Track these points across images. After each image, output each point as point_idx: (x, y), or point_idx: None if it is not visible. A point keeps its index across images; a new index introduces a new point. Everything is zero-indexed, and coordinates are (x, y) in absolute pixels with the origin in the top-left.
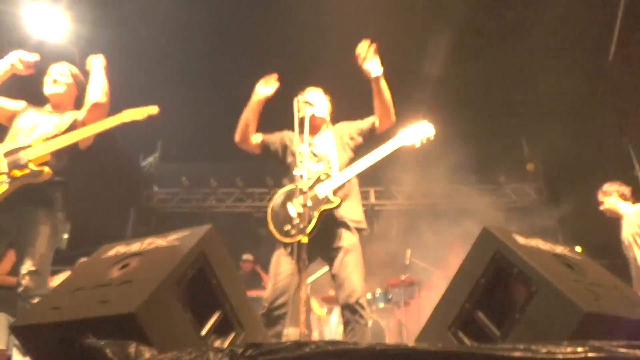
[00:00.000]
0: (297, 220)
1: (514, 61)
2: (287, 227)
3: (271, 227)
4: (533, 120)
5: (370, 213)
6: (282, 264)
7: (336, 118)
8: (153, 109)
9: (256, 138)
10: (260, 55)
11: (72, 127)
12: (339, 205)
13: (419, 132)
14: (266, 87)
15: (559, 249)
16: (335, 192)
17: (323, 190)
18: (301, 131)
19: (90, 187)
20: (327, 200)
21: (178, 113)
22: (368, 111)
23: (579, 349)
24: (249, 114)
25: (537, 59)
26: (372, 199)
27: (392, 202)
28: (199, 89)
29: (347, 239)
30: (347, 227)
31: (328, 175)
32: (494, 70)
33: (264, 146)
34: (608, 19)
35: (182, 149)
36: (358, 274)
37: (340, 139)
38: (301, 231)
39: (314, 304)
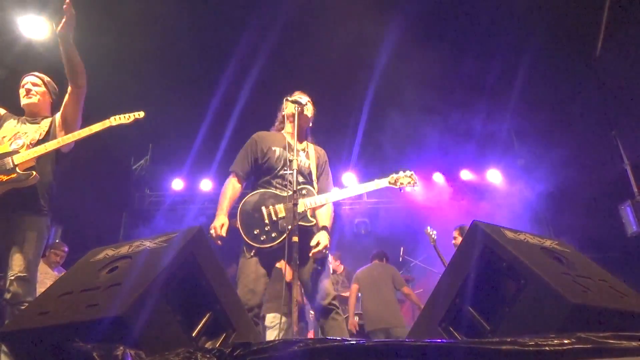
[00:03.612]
0: (268, 227)
1: (504, 59)
2: (257, 231)
3: (239, 225)
4: (523, 117)
5: (363, 212)
6: (250, 265)
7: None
8: (139, 114)
9: (241, 181)
10: (251, 60)
11: (51, 131)
12: (314, 226)
13: (405, 180)
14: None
15: (547, 242)
16: (312, 211)
17: (302, 205)
18: (290, 129)
19: (82, 192)
20: (304, 217)
21: (169, 116)
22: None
23: (566, 341)
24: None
25: (526, 56)
26: (365, 198)
27: (383, 200)
28: (189, 92)
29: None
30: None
31: (309, 192)
32: (484, 66)
33: (247, 175)
34: (594, 16)
35: (173, 151)
36: (329, 278)
37: (317, 159)
38: (270, 239)
39: None
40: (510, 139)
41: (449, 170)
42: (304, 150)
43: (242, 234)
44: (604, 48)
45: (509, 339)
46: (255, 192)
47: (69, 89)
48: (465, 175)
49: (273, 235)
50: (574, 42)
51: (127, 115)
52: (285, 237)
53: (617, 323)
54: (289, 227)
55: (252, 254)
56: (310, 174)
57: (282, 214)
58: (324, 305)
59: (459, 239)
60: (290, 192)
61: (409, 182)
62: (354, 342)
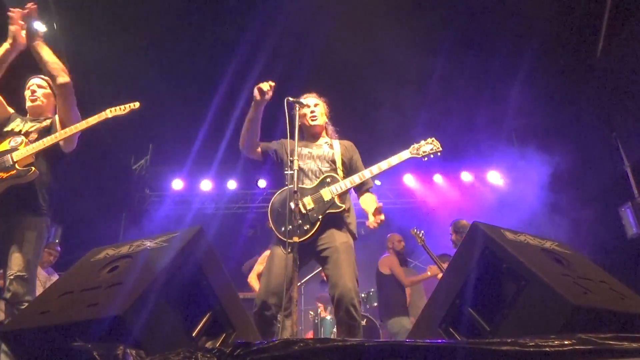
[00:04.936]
0: (299, 221)
1: (504, 59)
2: (289, 227)
3: (271, 224)
4: (523, 117)
5: (363, 213)
6: (277, 262)
7: (335, 120)
8: (135, 104)
9: (258, 145)
10: (253, 59)
11: (51, 127)
12: (343, 211)
13: (427, 147)
14: (264, 92)
15: (547, 244)
16: (339, 197)
17: (328, 194)
18: (292, 130)
19: (82, 192)
20: (332, 204)
21: (169, 116)
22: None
23: (567, 342)
24: (253, 122)
25: (526, 56)
26: None
27: (383, 200)
28: (190, 92)
29: (342, 240)
30: (344, 230)
31: (334, 179)
32: (484, 66)
33: (264, 152)
34: (595, 16)
35: (173, 151)
36: (351, 274)
37: (343, 150)
38: (303, 232)
39: None
40: (510, 140)
41: (449, 171)
42: (327, 142)
43: (276, 232)
44: (605, 48)
45: (509, 340)
46: (281, 190)
47: (57, 92)
48: (466, 176)
49: (305, 227)
50: (575, 42)
51: (122, 106)
52: (318, 227)
53: (618, 324)
54: (320, 216)
55: (289, 250)
56: (334, 161)
57: (310, 206)
58: (342, 305)
59: (454, 235)
60: (316, 183)
61: (432, 150)
62: (355, 342)
